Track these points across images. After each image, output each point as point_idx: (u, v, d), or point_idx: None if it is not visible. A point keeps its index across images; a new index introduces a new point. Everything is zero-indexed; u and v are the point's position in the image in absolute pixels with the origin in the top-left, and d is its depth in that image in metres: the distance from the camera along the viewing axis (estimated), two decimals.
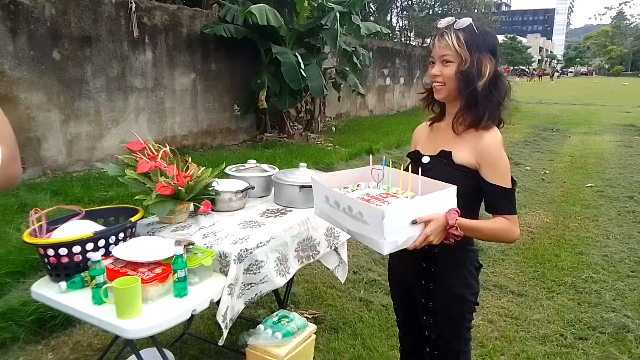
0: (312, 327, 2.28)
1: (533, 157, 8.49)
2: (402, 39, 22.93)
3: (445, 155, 1.55)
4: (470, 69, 1.46)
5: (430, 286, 1.62)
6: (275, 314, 2.28)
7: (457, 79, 1.49)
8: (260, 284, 2.11)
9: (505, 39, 74.30)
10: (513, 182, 1.50)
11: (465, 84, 1.48)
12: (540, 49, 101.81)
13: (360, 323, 2.92)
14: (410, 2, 22.92)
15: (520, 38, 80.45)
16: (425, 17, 23.23)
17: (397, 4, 21.92)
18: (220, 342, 1.96)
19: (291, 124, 9.34)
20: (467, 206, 1.47)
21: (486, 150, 1.47)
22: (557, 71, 77.28)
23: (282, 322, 2.21)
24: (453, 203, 1.38)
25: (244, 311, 2.97)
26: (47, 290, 1.88)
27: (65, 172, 5.84)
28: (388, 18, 21.22)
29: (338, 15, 7.96)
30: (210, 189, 2.34)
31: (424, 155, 1.63)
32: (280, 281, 2.17)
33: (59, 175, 5.74)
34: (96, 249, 1.92)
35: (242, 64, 8.46)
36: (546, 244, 4.31)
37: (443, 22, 1.53)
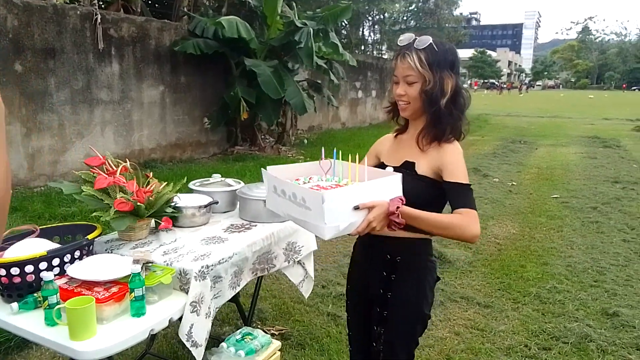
0: (277, 344, 2.25)
1: (501, 169, 8.65)
2: (374, 52, 23.24)
3: (409, 166, 1.58)
4: (434, 88, 1.49)
5: (389, 295, 1.63)
6: (238, 331, 2.25)
7: (421, 98, 1.52)
8: (214, 299, 2.06)
9: (476, 53, 76.06)
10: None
11: (429, 103, 1.52)
12: (510, 62, 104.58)
13: (327, 338, 2.89)
14: (382, 17, 23.25)
15: (489, 52, 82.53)
16: (397, 30, 23.62)
17: (369, 18, 22.20)
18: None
19: (263, 136, 9.32)
20: None
21: (448, 158, 1.52)
22: (526, 84, 79.27)
23: (245, 340, 2.18)
24: (398, 191, 1.39)
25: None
26: None
27: (27, 187, 5.67)
28: (360, 32, 21.47)
29: (312, 32, 8.01)
30: (171, 204, 2.29)
31: (387, 165, 1.65)
32: (230, 294, 2.13)
33: (20, 190, 5.57)
34: (50, 268, 1.86)
35: (212, 76, 8.43)
36: (512, 255, 4.37)
37: (404, 40, 1.54)
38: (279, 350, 2.32)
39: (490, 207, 5.98)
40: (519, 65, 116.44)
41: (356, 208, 1.31)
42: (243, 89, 7.96)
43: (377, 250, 1.64)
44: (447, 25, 24.03)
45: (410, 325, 1.63)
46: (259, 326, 2.96)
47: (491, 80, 73.07)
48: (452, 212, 1.50)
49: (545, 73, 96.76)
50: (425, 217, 1.43)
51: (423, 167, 1.55)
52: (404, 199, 1.38)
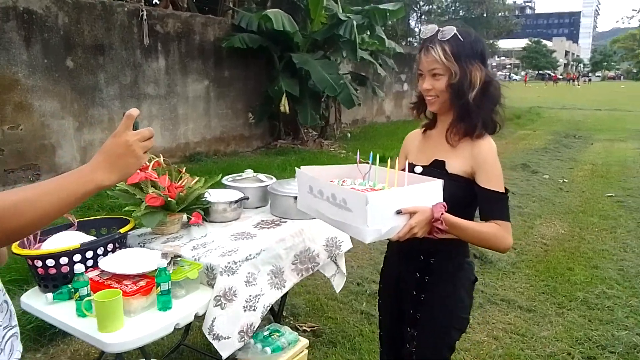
0: (304, 342, 2.24)
1: (552, 165, 8.29)
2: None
3: (439, 165, 1.52)
4: (461, 81, 1.43)
5: (422, 297, 1.58)
6: (266, 327, 2.25)
7: (448, 91, 1.46)
8: (262, 296, 2.06)
9: (530, 43, 73.23)
10: (506, 190, 1.46)
11: (457, 96, 1.46)
12: (566, 52, 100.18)
13: (359, 337, 2.85)
14: (430, 7, 22.77)
15: (545, 42, 79.19)
16: (447, 21, 23.09)
17: (417, 8, 21.79)
18: (224, 356, 1.90)
19: (305, 130, 9.33)
20: (462, 215, 1.43)
21: (482, 156, 1.45)
22: (584, 75, 75.48)
23: (272, 337, 2.18)
24: (439, 197, 1.35)
25: None
26: (35, 301, 1.87)
27: None
28: (406, 23, 21.10)
29: (355, 24, 7.92)
30: (202, 199, 2.31)
31: (416, 165, 1.59)
32: (275, 294, 2.13)
33: None
34: (84, 260, 1.91)
35: (255, 70, 8.50)
36: (560, 257, 4.17)
37: (427, 32, 1.49)
38: (307, 347, 2.31)
39: (537, 206, 5.73)
40: (577, 56, 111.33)
41: (398, 212, 1.28)
42: (287, 82, 7.98)
43: (411, 250, 1.59)
44: (497, 14, 23.20)
45: (444, 329, 1.58)
46: (291, 322, 2.96)
47: (547, 72, 70.18)
48: (484, 220, 1.44)
49: (605, 64, 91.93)
50: (466, 226, 1.39)
51: (454, 166, 1.49)
52: (446, 205, 1.33)
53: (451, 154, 1.51)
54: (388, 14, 8.62)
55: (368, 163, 1.56)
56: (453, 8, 22.50)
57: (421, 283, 1.57)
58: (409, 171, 1.58)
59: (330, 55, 9.09)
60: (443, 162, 1.51)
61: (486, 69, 1.47)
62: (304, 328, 2.87)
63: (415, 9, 21.06)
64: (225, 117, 8.18)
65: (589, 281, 3.68)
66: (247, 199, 2.50)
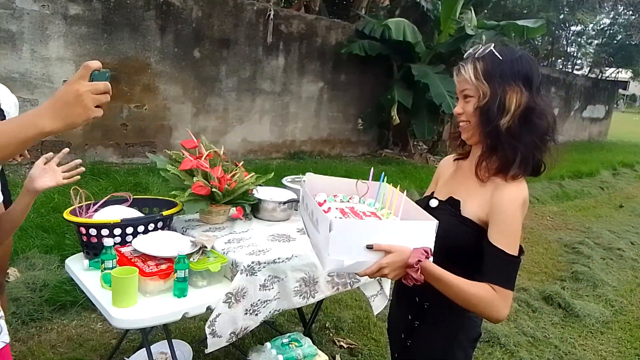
0: (323, 358, 2.14)
1: None
2: (570, 66, 21.01)
3: (453, 204, 1.33)
4: (490, 103, 1.23)
5: (408, 343, 1.41)
6: (288, 334, 2.19)
7: (476, 115, 1.27)
8: (274, 301, 2.03)
9: None
10: (520, 251, 1.22)
11: (484, 121, 1.25)
12: None
13: None
14: (583, 28, 20.80)
15: None
16: (598, 44, 20.97)
17: (565, 28, 20.06)
18: (208, 350, 1.92)
19: (415, 143, 9.08)
20: (471, 267, 1.24)
21: (499, 205, 1.22)
22: None
23: (290, 345, 2.12)
24: (429, 240, 1.16)
25: (283, 322, 2.92)
26: (75, 265, 2.03)
27: None
28: (551, 43, 19.51)
29: (484, 40, 7.54)
30: (249, 195, 2.33)
31: (433, 197, 1.43)
32: (298, 302, 2.08)
33: None
34: (124, 235, 2.03)
35: (372, 77, 8.46)
36: None
37: (469, 52, 1.32)
38: None
39: None
40: None
41: (369, 247, 1.13)
42: (400, 92, 7.84)
43: (406, 289, 1.43)
44: None
45: None
46: (331, 334, 2.87)
47: None
48: (485, 280, 1.21)
49: None
50: (449, 282, 1.18)
51: (470, 208, 1.29)
52: (429, 251, 1.15)
53: (473, 193, 1.31)
54: (525, 30, 8.04)
55: (366, 182, 1.44)
56: (610, 31, 20.25)
57: (411, 327, 1.40)
58: (425, 202, 1.43)
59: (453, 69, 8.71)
60: (458, 202, 1.32)
61: (530, 93, 1.24)
62: (342, 344, 2.76)
63: (564, 29, 19.36)
64: (334, 120, 8.27)
65: None
66: (297, 201, 2.47)
